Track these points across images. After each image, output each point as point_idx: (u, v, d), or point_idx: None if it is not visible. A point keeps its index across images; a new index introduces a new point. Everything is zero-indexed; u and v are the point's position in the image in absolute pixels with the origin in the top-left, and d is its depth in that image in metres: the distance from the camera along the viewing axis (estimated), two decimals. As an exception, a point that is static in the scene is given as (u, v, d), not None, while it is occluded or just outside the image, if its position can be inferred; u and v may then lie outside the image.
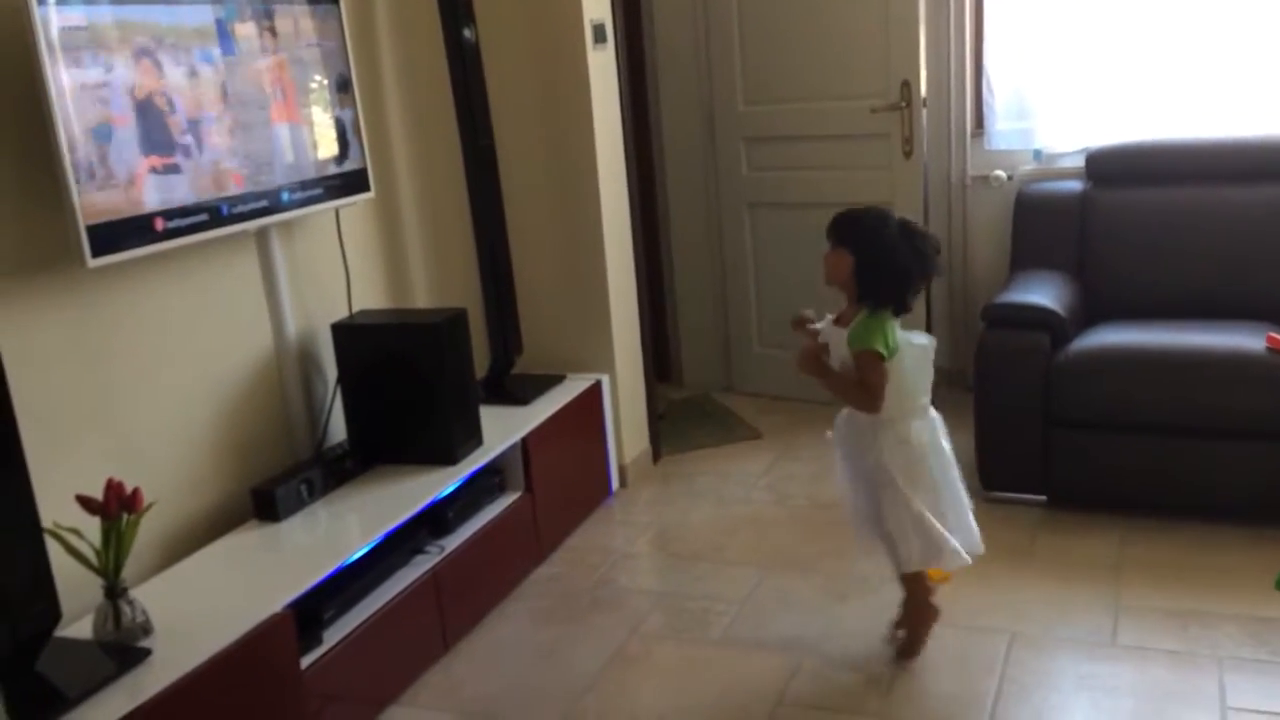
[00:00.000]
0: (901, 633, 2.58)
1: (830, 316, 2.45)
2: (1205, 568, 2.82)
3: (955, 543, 2.40)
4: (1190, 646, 2.49)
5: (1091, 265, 3.59)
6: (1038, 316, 3.19)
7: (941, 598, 2.77)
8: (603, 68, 3.46)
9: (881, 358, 2.31)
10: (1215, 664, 2.42)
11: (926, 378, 2.42)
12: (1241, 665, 2.40)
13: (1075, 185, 3.72)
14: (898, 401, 2.37)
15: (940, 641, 2.59)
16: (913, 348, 2.39)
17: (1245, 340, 3.01)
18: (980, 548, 2.48)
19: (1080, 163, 3.78)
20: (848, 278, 2.35)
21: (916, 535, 2.39)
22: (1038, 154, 3.99)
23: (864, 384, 2.34)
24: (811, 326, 2.49)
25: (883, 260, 2.31)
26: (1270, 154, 3.46)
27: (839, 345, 2.40)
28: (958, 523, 2.44)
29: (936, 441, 2.43)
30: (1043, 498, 3.23)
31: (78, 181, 2.08)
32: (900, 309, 2.35)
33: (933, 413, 2.45)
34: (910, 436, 2.38)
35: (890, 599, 2.71)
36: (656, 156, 4.51)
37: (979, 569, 2.88)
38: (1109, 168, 3.67)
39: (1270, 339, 2.97)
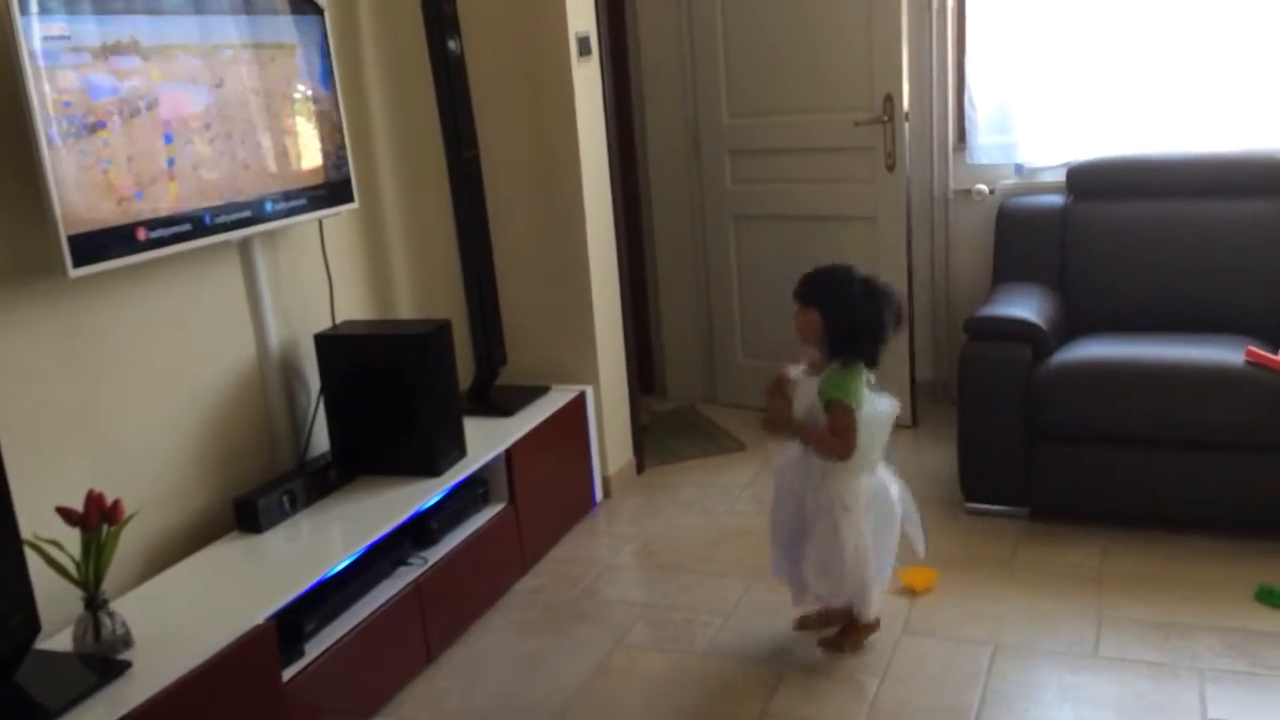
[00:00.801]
0: (832, 630, 2.65)
1: (802, 366, 2.50)
2: (1186, 579, 2.84)
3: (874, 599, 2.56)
4: (1171, 658, 2.50)
5: (1073, 278, 3.61)
6: (1019, 329, 3.21)
7: (923, 610, 2.79)
8: (587, 79, 3.47)
9: (851, 409, 2.39)
10: (1196, 675, 2.43)
11: (882, 438, 2.49)
12: (1221, 677, 2.42)
13: (1057, 199, 3.75)
14: (855, 455, 2.44)
15: (923, 653, 2.60)
16: (875, 410, 2.45)
17: (1225, 353, 3.04)
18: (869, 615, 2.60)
19: (1061, 177, 3.80)
20: (819, 336, 2.43)
21: (851, 575, 2.49)
22: (1019, 168, 4.02)
23: (836, 431, 2.41)
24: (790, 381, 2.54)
25: (847, 319, 2.39)
26: (1250, 169, 3.49)
27: (809, 393, 2.45)
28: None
29: (883, 497, 2.51)
30: (1025, 509, 3.25)
31: (59, 190, 2.07)
32: (870, 363, 2.43)
33: (881, 471, 2.53)
34: (858, 489, 2.47)
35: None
36: (641, 168, 4.52)
37: (961, 580, 2.91)
38: (1090, 182, 3.70)
39: (1250, 352, 2.99)
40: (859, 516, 2.46)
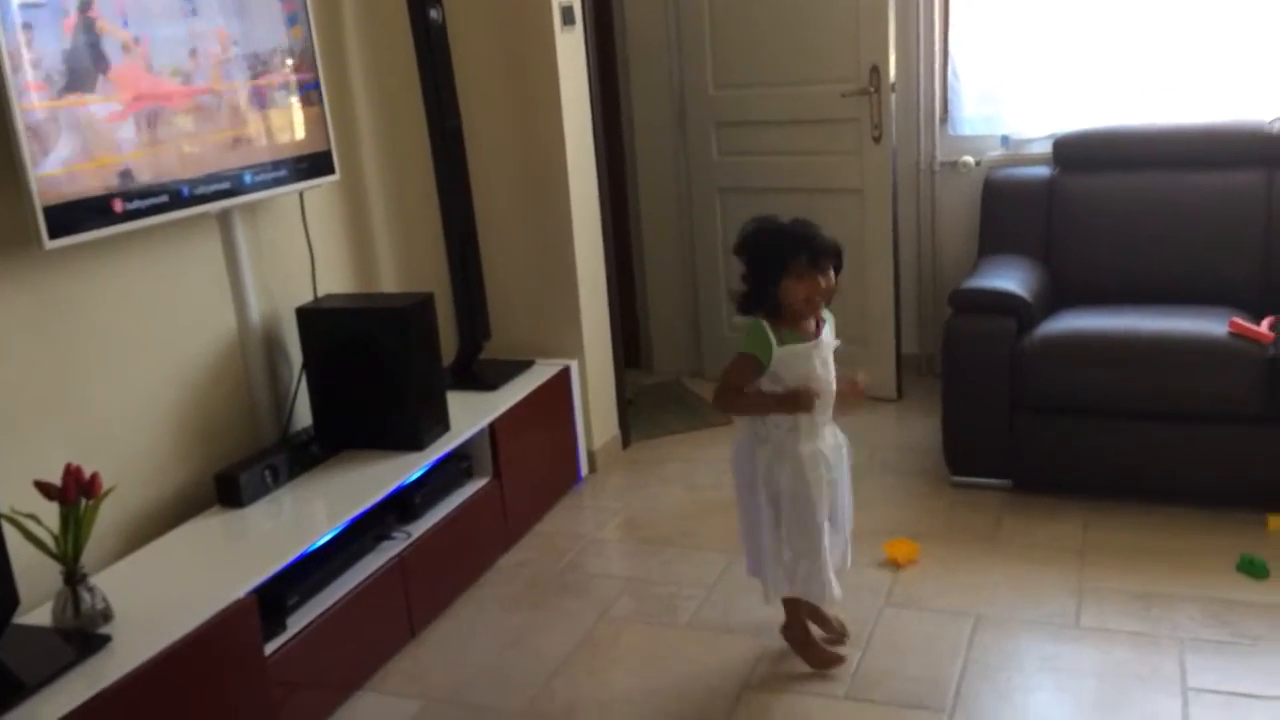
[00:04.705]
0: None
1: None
2: (1167, 550, 2.85)
3: (831, 580, 2.35)
4: (1152, 628, 2.51)
5: (1058, 250, 3.61)
6: (1004, 302, 3.21)
7: (906, 583, 2.80)
8: (571, 49, 3.44)
9: (749, 358, 2.28)
10: (1176, 645, 2.44)
11: (820, 387, 2.29)
12: (1202, 646, 2.43)
13: (1043, 171, 3.74)
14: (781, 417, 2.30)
15: (905, 625, 2.61)
16: (795, 355, 2.28)
17: (1209, 325, 3.04)
18: (832, 602, 2.40)
19: (1048, 148, 3.80)
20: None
21: (779, 564, 2.36)
22: (1005, 140, 4.01)
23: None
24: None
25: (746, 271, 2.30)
26: (1236, 140, 3.48)
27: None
28: (808, 571, 2.35)
29: (826, 466, 2.33)
30: (1008, 482, 3.26)
31: (34, 160, 2.04)
32: (761, 310, 2.29)
33: (831, 437, 2.37)
34: (795, 453, 2.30)
35: (854, 582, 2.73)
36: (626, 140, 4.49)
37: (944, 552, 2.92)
38: (1076, 153, 3.68)
39: (1233, 324, 2.99)
40: (782, 511, 2.35)
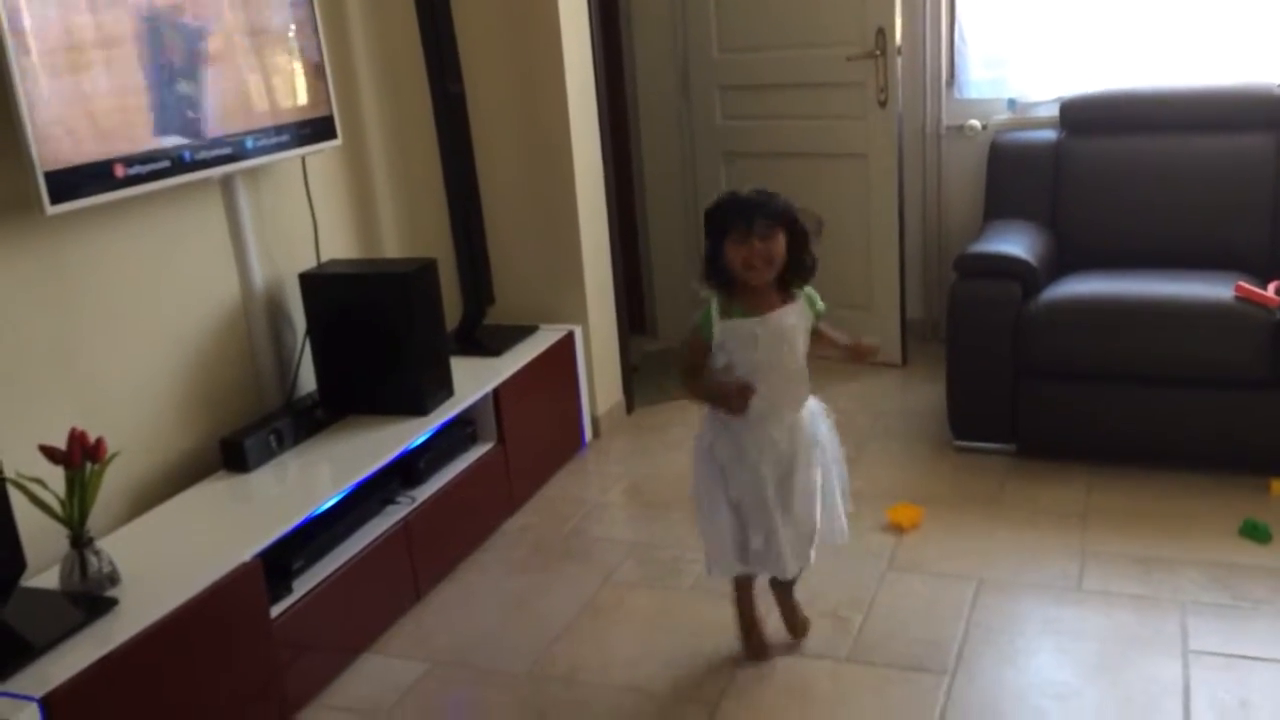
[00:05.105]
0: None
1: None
2: (1170, 514, 2.86)
3: (726, 560, 2.29)
4: (1154, 591, 2.52)
5: (1064, 214, 3.59)
6: (1009, 266, 3.19)
7: (909, 547, 2.80)
8: (574, 12, 3.40)
9: (698, 337, 2.21)
10: (1178, 608, 2.45)
11: (768, 367, 2.18)
12: (1203, 609, 2.44)
13: (1049, 134, 3.71)
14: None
15: (908, 588, 2.62)
16: (737, 331, 2.17)
17: (1215, 289, 3.02)
18: (787, 572, 2.30)
19: (1055, 112, 3.77)
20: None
21: (721, 538, 2.28)
22: (1011, 103, 3.97)
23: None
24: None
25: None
26: (1243, 103, 3.45)
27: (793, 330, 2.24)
28: (763, 544, 2.25)
29: (774, 450, 2.22)
30: (1012, 446, 3.25)
31: (34, 125, 2.03)
32: (714, 280, 2.20)
33: (790, 420, 2.23)
34: (738, 434, 2.22)
35: (858, 546, 2.74)
36: (630, 104, 4.46)
37: (948, 517, 2.92)
38: (1083, 117, 3.65)
39: (1239, 288, 2.98)
40: (714, 480, 2.27)
